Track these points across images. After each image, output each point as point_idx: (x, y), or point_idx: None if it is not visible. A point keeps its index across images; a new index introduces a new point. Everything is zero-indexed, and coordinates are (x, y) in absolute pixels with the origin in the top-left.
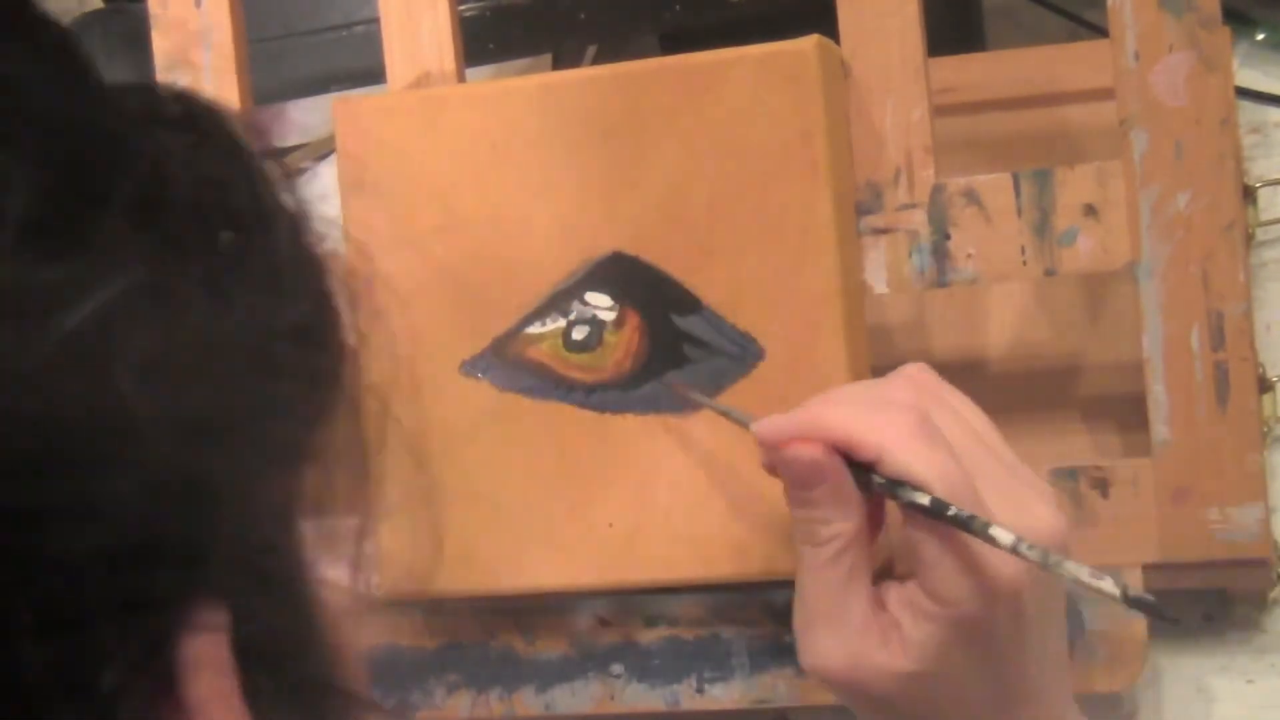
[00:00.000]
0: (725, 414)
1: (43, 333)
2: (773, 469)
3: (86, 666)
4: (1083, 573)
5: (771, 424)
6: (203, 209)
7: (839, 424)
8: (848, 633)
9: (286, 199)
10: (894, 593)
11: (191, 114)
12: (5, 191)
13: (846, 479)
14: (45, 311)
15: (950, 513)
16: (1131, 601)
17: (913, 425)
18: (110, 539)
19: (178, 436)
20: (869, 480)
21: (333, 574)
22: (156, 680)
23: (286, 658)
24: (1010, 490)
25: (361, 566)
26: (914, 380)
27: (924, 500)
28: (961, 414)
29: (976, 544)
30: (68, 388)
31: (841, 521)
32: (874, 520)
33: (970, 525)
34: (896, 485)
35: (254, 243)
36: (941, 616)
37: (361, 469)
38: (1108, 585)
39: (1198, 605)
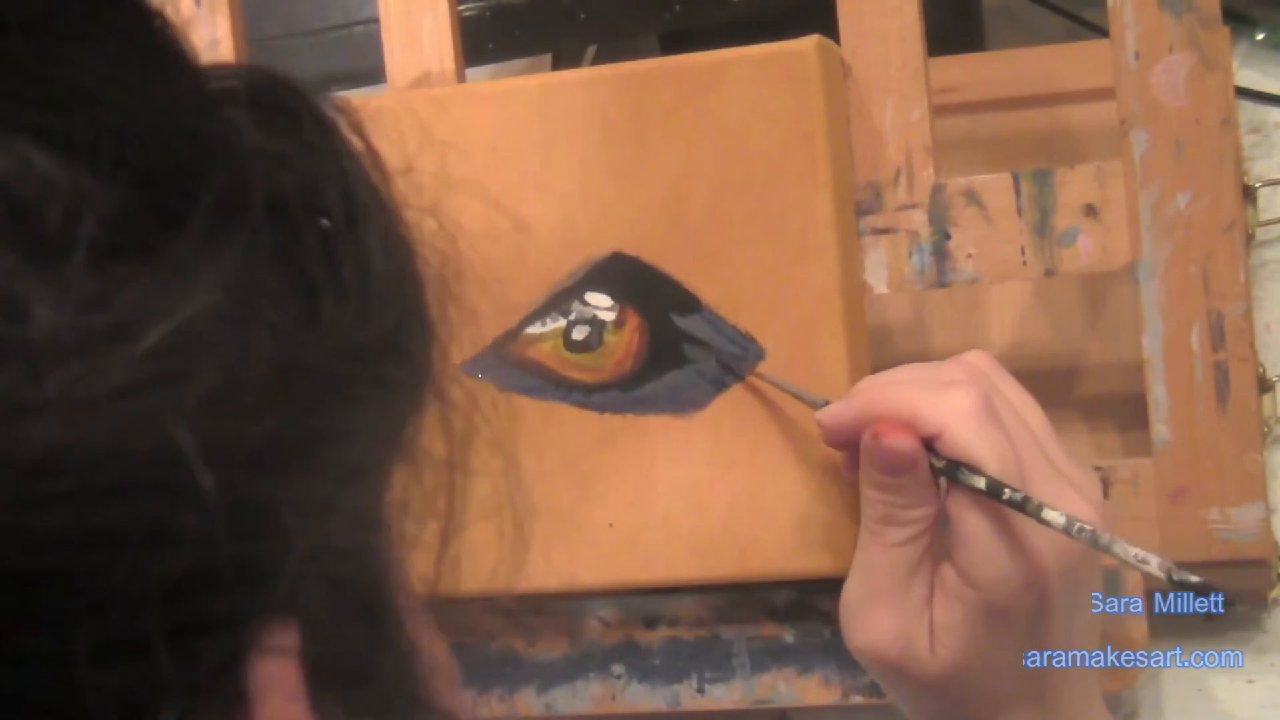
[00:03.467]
0: (797, 395)
1: (112, 361)
2: (837, 445)
3: (149, 694)
4: (1130, 553)
5: (834, 412)
6: (290, 211)
7: (902, 401)
8: (905, 614)
9: (378, 190)
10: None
11: (278, 97)
12: (78, 212)
13: (927, 465)
14: (115, 339)
15: (1005, 495)
16: (1176, 583)
17: (974, 404)
18: (172, 565)
19: (246, 464)
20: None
21: (416, 579)
22: (223, 707)
23: (362, 677)
24: (1049, 482)
25: (445, 570)
26: (972, 365)
27: (980, 482)
28: (1014, 402)
29: (1017, 529)
30: (135, 416)
31: (925, 506)
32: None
33: (1024, 506)
34: (955, 466)
35: (343, 248)
36: (972, 600)
37: (447, 468)
38: (1154, 565)
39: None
